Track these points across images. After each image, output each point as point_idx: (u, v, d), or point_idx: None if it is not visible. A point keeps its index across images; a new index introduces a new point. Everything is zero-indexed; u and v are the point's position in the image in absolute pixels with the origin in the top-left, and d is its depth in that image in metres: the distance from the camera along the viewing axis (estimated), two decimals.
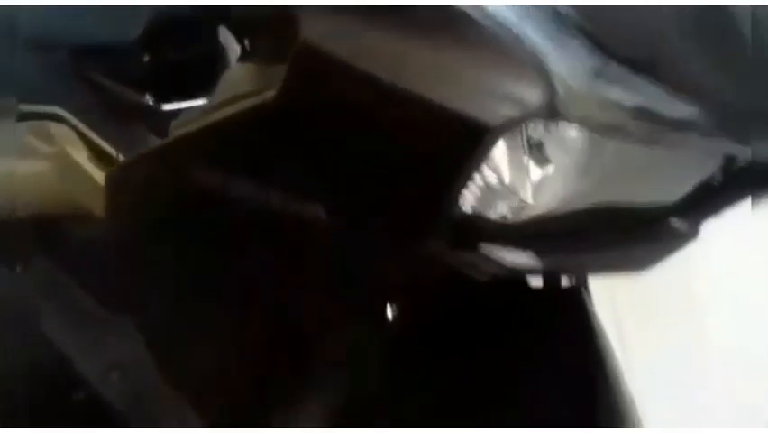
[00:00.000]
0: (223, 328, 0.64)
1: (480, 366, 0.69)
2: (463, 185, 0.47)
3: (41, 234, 0.98)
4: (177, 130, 0.58)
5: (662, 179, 0.55)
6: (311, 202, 0.49)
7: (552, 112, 0.44)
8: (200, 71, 0.95)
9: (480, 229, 0.50)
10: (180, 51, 0.89)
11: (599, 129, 0.46)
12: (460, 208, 0.51)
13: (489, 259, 0.50)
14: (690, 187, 0.56)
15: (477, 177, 0.52)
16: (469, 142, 0.45)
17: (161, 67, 0.88)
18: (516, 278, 0.72)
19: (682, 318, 1.35)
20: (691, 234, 0.55)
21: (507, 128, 0.45)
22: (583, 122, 0.46)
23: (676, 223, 0.54)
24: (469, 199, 0.53)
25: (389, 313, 0.73)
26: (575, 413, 0.63)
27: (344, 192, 0.49)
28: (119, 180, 0.68)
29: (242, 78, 0.59)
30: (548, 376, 0.65)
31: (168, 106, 0.90)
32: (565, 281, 0.70)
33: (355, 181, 0.49)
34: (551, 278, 0.72)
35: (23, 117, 0.92)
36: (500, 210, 0.54)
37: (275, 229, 0.52)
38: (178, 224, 0.60)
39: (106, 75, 0.89)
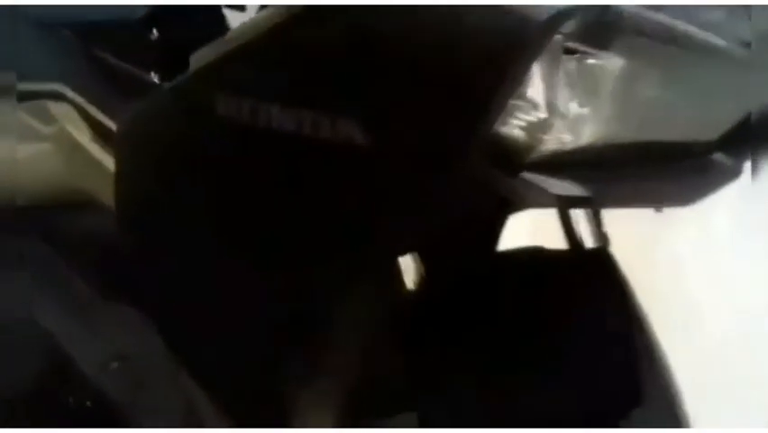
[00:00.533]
0: (244, 287, 0.60)
1: (508, 337, 0.67)
2: (507, 94, 0.45)
3: (39, 221, 0.94)
4: (195, 64, 0.55)
5: (702, 116, 0.54)
6: (345, 120, 0.46)
7: (604, 14, 0.42)
8: None
9: (523, 155, 0.48)
10: (188, 31, 0.87)
11: (655, 37, 0.45)
12: (503, 133, 0.49)
13: (532, 186, 0.48)
14: (731, 124, 0.55)
15: (515, 116, 0.51)
16: (515, 41, 0.43)
17: (168, 45, 0.86)
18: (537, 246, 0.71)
19: (677, 317, 1.34)
20: (735, 170, 0.54)
21: (554, 27, 0.44)
22: (635, 33, 0.45)
23: (720, 158, 0.53)
24: (511, 133, 0.52)
25: (411, 277, 0.70)
26: (618, 377, 0.60)
27: (381, 105, 0.46)
28: (132, 132, 0.65)
29: (260, 16, 0.57)
30: (586, 341, 0.62)
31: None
32: (589, 243, 0.68)
33: (392, 91, 0.46)
34: (575, 242, 0.70)
35: (22, 97, 0.90)
36: (541, 145, 0.52)
37: (307, 158, 0.50)
38: (203, 165, 0.57)
39: (110, 52, 0.87)
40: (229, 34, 0.57)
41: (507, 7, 0.42)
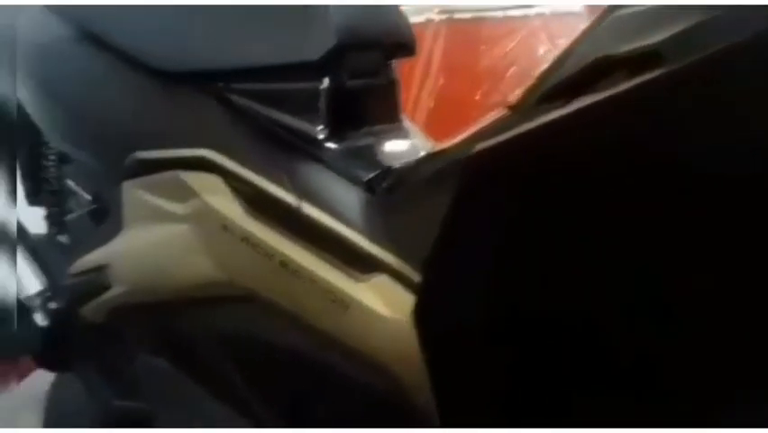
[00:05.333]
0: None
1: None
2: None
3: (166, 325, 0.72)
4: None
5: None
6: None
7: None
8: (373, 103, 0.77)
9: None
10: (358, 80, 0.71)
11: None
12: None
13: None
14: None
15: None
16: None
17: (339, 95, 0.70)
18: None
19: None
20: None
21: None
22: None
23: None
24: None
25: None
26: None
27: None
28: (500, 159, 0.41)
29: None
30: None
31: (339, 141, 0.70)
32: None
33: None
34: None
35: (151, 166, 0.71)
36: None
37: None
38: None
39: (267, 105, 0.69)
40: None
41: None
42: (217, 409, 0.70)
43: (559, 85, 0.43)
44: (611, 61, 0.38)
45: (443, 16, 1.81)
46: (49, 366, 0.91)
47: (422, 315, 0.47)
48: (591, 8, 2.01)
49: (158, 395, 0.73)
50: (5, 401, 1.13)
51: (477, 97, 1.80)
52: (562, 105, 0.41)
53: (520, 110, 0.46)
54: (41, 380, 1.12)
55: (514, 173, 0.40)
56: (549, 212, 0.39)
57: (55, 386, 1.06)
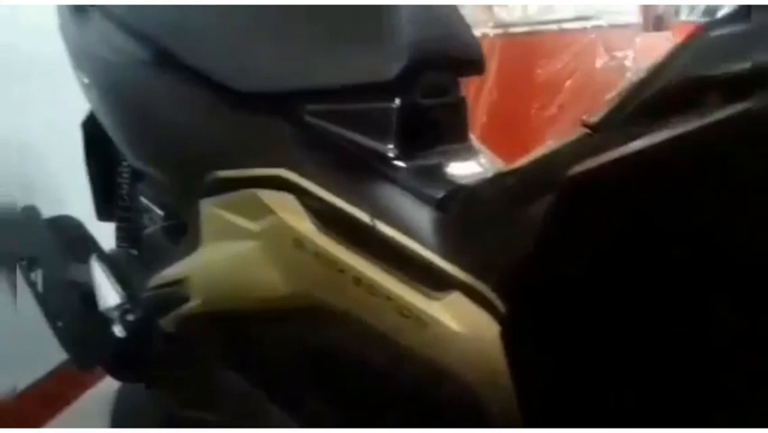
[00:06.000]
0: None
1: None
2: None
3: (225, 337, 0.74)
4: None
5: None
6: None
7: None
8: (444, 122, 0.78)
9: None
10: (429, 99, 0.72)
11: None
12: None
13: None
14: None
15: None
16: None
17: (410, 114, 0.71)
18: None
19: None
20: None
21: None
22: None
23: None
24: None
25: None
26: None
27: None
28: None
29: None
30: None
31: (410, 160, 0.71)
32: None
33: None
34: None
35: (228, 186, 0.73)
36: None
37: None
38: None
39: (339, 125, 0.71)
40: None
41: None
42: (286, 421, 0.71)
43: (645, 105, 0.43)
44: (704, 83, 0.38)
45: (499, 30, 1.82)
46: (122, 376, 0.94)
47: (510, 334, 0.47)
48: (647, 20, 1.99)
49: (227, 406, 0.75)
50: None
51: (532, 111, 1.79)
52: (651, 127, 0.41)
53: (604, 130, 0.46)
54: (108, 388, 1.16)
55: (613, 196, 0.40)
56: (645, 235, 0.39)
57: (121, 394, 1.09)
